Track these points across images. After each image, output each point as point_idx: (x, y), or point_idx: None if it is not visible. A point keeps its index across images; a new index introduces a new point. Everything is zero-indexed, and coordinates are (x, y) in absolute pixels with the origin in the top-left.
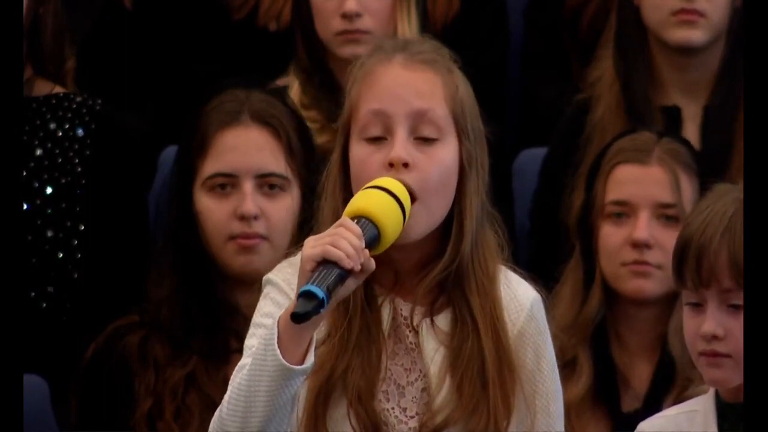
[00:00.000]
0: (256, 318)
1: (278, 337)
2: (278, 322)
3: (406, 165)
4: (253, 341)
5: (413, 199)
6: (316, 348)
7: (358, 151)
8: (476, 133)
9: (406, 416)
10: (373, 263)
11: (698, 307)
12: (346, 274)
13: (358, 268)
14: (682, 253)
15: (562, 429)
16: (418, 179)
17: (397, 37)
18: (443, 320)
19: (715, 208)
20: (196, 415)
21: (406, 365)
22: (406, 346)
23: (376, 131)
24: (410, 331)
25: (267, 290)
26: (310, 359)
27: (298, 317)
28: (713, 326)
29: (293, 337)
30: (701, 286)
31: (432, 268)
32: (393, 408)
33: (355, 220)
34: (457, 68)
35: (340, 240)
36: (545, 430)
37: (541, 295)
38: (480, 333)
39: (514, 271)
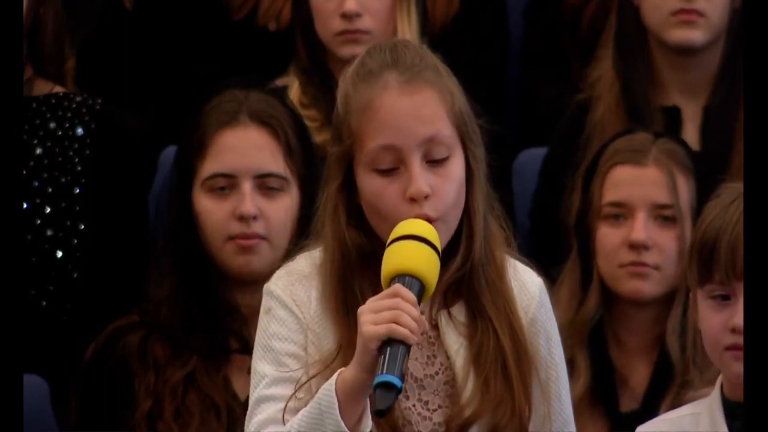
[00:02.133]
0: (262, 339)
1: (338, 405)
2: (335, 388)
3: (426, 197)
4: (263, 368)
5: (436, 220)
6: (330, 364)
7: (371, 182)
8: (474, 130)
9: (429, 410)
10: (427, 325)
11: (725, 301)
12: (409, 348)
13: (420, 339)
14: (712, 247)
15: (572, 412)
16: (438, 205)
17: (383, 51)
18: (459, 311)
19: (743, 203)
20: (196, 415)
21: (421, 359)
22: (421, 341)
23: (387, 164)
24: (427, 326)
25: (268, 304)
26: (368, 424)
27: (383, 413)
28: None
29: (353, 405)
30: (734, 279)
31: (445, 269)
32: (414, 405)
33: (401, 280)
34: (442, 65)
35: (403, 316)
36: (559, 416)
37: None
38: (497, 330)
39: (515, 257)
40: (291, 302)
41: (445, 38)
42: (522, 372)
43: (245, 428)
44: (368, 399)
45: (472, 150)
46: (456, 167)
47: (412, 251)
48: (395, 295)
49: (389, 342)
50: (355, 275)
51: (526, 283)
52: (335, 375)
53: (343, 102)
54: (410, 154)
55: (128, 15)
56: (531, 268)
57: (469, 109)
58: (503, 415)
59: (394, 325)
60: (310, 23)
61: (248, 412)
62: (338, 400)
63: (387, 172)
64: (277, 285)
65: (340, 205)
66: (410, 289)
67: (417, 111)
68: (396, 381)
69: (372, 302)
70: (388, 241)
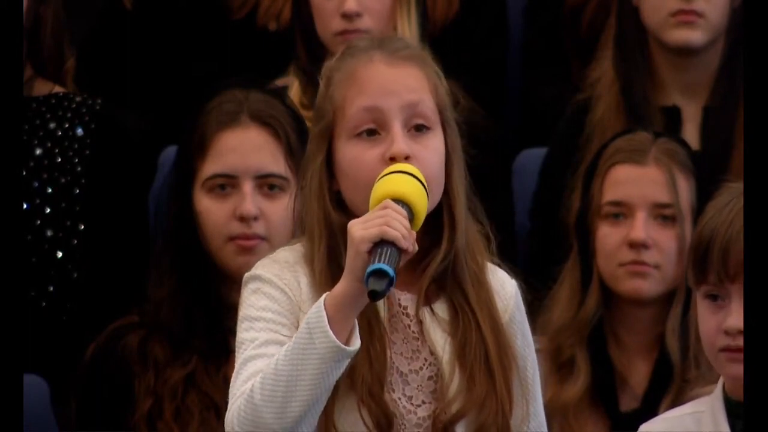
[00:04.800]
0: (251, 312)
1: (328, 318)
2: (324, 305)
3: (407, 158)
4: (253, 334)
5: None
6: None
7: (350, 149)
8: (453, 119)
9: (413, 405)
10: (416, 245)
11: (719, 302)
12: (401, 254)
13: (411, 248)
14: (706, 247)
15: (544, 415)
16: (420, 171)
17: (368, 37)
18: (440, 308)
19: (738, 204)
20: (196, 415)
21: (406, 354)
22: (405, 336)
23: (368, 124)
24: (411, 320)
25: (256, 285)
26: (357, 341)
27: (377, 295)
28: (740, 321)
29: (343, 320)
30: (727, 280)
31: (430, 260)
32: (400, 398)
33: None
34: (429, 58)
35: (393, 221)
36: (535, 417)
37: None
38: (479, 322)
39: (491, 261)
40: (281, 284)
41: (445, 38)
42: (504, 368)
43: (230, 390)
44: (357, 321)
45: (450, 135)
46: (437, 141)
47: (400, 180)
48: (385, 207)
49: (380, 244)
50: (343, 255)
51: (504, 283)
52: (324, 295)
53: (326, 81)
54: (392, 117)
55: (128, 15)
56: (505, 270)
57: (449, 101)
58: (489, 412)
59: (385, 227)
60: (310, 23)
61: (234, 374)
62: (327, 315)
63: (368, 138)
64: (264, 270)
65: (324, 181)
66: None
67: (402, 79)
68: (388, 269)
69: (362, 217)
70: (376, 180)
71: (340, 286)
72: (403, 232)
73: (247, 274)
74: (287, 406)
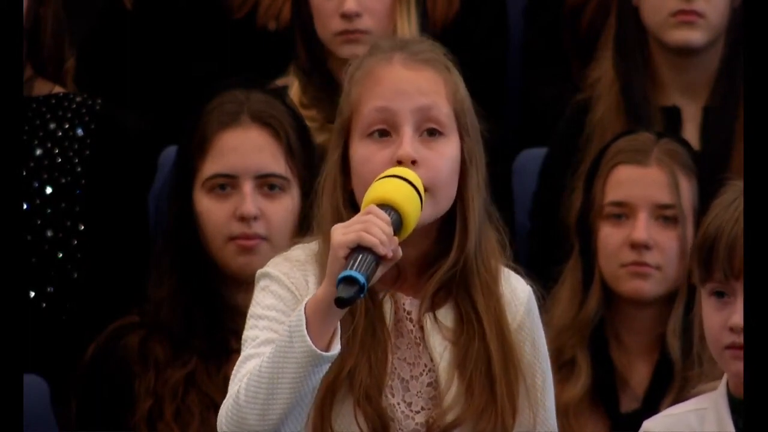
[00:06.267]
0: (257, 310)
1: (306, 324)
2: (304, 309)
3: (414, 162)
4: (255, 332)
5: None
6: None
7: (362, 149)
8: (475, 130)
9: (412, 411)
10: (400, 251)
11: (725, 299)
12: (379, 260)
13: (390, 254)
14: (711, 245)
15: (555, 424)
16: (426, 175)
17: (394, 37)
18: (445, 315)
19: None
20: (196, 415)
21: (409, 359)
22: (409, 341)
23: (380, 125)
24: (414, 326)
25: (265, 283)
26: (337, 347)
27: (343, 302)
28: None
29: (321, 324)
30: (732, 278)
31: (438, 267)
32: (399, 403)
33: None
34: (454, 67)
35: (373, 227)
36: (543, 425)
37: (533, 288)
38: (485, 333)
39: (507, 265)
40: (289, 282)
41: (445, 38)
42: (508, 379)
43: (229, 388)
44: (339, 323)
45: (468, 143)
46: (449, 148)
47: (391, 185)
48: (368, 213)
49: (358, 249)
50: None
51: (515, 290)
52: (306, 299)
53: (348, 78)
54: (404, 119)
55: (128, 15)
56: (522, 275)
57: (471, 109)
58: (487, 423)
59: (363, 233)
60: (310, 23)
61: (233, 371)
62: (306, 318)
63: (379, 137)
64: (274, 268)
65: (338, 179)
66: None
67: (417, 82)
68: (359, 276)
69: (345, 222)
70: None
71: (320, 291)
72: (381, 238)
73: (259, 271)
74: (269, 407)
